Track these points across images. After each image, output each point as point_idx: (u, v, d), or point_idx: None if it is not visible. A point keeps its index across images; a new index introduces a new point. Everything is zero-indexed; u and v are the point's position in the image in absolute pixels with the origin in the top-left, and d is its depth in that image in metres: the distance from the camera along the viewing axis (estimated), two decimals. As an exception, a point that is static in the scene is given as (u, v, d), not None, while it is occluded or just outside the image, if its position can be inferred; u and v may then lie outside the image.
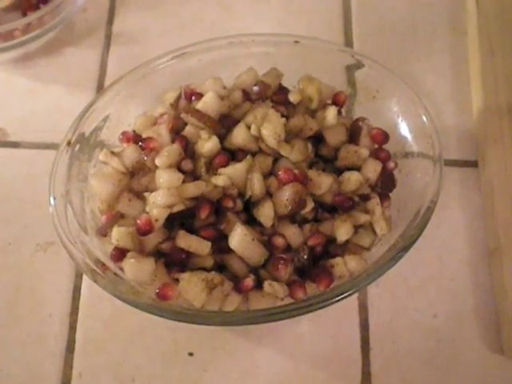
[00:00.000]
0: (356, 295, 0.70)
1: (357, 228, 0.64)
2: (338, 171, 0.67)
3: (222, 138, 0.65)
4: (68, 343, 0.68)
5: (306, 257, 0.62)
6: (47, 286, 0.71)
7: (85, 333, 0.69)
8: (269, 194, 0.63)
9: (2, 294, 0.71)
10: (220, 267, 0.63)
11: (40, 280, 0.71)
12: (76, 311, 0.69)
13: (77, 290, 0.70)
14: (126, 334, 0.68)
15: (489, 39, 0.81)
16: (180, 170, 0.63)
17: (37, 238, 0.73)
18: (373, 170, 0.66)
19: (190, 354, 0.68)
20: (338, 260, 0.62)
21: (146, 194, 0.62)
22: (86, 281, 0.70)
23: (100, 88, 0.82)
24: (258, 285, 0.61)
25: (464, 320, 0.69)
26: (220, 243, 0.62)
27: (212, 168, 0.64)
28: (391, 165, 0.68)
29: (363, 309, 0.70)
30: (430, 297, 0.70)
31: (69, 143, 0.66)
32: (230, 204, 0.62)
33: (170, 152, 0.63)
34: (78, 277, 0.71)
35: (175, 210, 0.60)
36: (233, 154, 0.66)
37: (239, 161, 0.64)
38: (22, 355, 0.68)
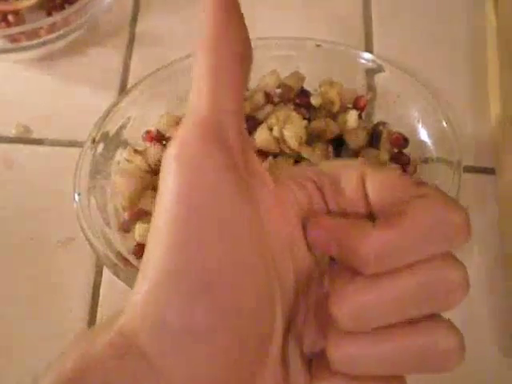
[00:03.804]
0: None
1: (376, 230, 0.64)
2: (359, 175, 0.67)
3: (244, 139, 0.66)
4: (87, 338, 0.69)
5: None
6: (67, 281, 0.71)
7: (104, 328, 0.69)
8: (290, 195, 0.64)
9: (23, 289, 0.71)
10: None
11: (60, 275, 0.72)
12: (96, 307, 0.70)
13: (97, 286, 0.71)
14: (144, 330, 0.69)
15: (508, 51, 0.81)
16: (202, 169, 0.64)
17: (58, 234, 0.74)
18: (393, 174, 0.67)
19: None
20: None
21: (168, 192, 0.63)
22: (106, 277, 0.71)
23: (123, 88, 0.83)
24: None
25: (479, 326, 0.69)
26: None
27: (234, 168, 0.65)
28: (411, 169, 0.68)
29: (379, 312, 0.70)
30: (445, 302, 0.70)
31: (93, 141, 0.67)
32: (251, 204, 0.63)
33: (192, 151, 0.64)
34: (99, 273, 0.72)
35: (197, 207, 0.61)
36: (254, 155, 0.66)
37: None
38: (41, 350, 0.68)
